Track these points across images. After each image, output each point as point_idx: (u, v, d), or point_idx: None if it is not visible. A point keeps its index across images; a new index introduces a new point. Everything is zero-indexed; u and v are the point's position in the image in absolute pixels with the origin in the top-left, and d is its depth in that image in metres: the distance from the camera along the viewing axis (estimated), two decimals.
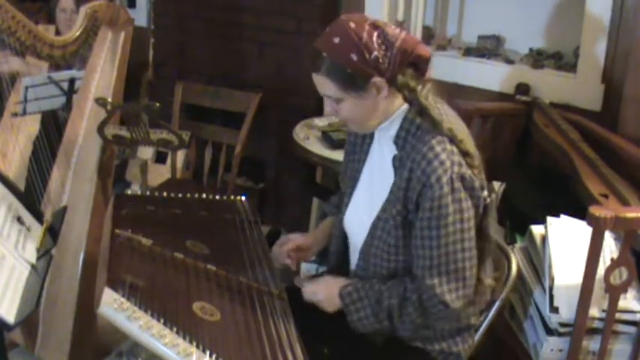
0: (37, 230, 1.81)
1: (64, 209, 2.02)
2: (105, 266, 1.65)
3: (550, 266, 2.02)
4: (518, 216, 2.44)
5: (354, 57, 1.56)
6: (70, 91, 2.61)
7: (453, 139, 1.61)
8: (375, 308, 1.68)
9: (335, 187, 2.29)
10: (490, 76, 3.06)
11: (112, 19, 2.63)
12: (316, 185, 3.44)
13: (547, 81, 2.93)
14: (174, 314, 1.50)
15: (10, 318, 1.50)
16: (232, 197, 2.21)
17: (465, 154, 1.61)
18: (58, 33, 3.04)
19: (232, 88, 3.47)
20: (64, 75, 2.59)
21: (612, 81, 2.72)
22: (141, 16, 3.88)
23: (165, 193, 2.16)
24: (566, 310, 1.95)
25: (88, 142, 2.52)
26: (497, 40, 3.16)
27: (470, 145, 1.64)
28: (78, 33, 2.49)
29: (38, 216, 1.86)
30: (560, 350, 1.98)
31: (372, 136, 1.80)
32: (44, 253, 1.76)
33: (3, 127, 2.61)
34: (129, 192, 3.48)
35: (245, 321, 1.60)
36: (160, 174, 3.60)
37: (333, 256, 1.93)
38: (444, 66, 3.13)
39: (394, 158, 1.69)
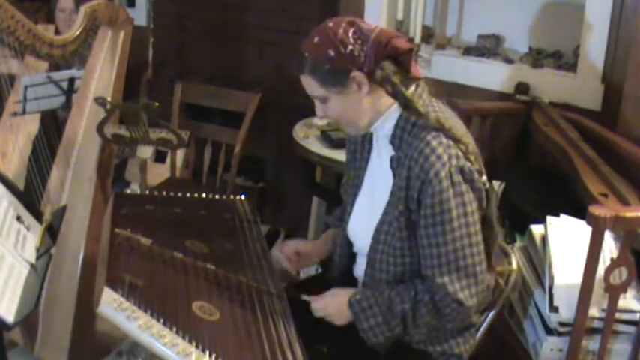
0: (37, 229, 1.81)
1: (64, 208, 2.02)
2: (104, 265, 1.65)
3: (550, 266, 2.02)
4: (518, 215, 2.43)
5: (332, 53, 1.60)
6: (70, 91, 2.61)
7: (441, 129, 1.60)
8: (387, 315, 1.66)
9: (334, 186, 2.30)
10: (489, 75, 3.06)
11: (112, 19, 2.63)
12: (316, 185, 3.44)
13: (546, 80, 2.93)
14: (174, 314, 1.50)
15: (10, 317, 1.50)
16: (232, 197, 2.21)
17: (456, 141, 1.60)
18: (57, 32, 3.04)
19: (232, 88, 3.47)
20: (63, 74, 2.59)
21: (612, 80, 2.72)
22: (140, 15, 3.88)
23: (164, 193, 2.16)
24: (566, 310, 1.95)
25: (88, 141, 2.52)
26: (497, 39, 3.16)
27: (462, 134, 1.63)
28: (77, 32, 2.49)
29: (38, 215, 1.86)
30: (560, 350, 1.98)
31: (370, 141, 1.80)
32: (44, 253, 1.76)
33: (2, 127, 2.61)
34: (128, 191, 3.49)
35: (244, 320, 1.60)
36: (159, 173, 3.60)
37: (338, 267, 1.92)
38: (444, 65, 3.13)
39: (392, 159, 1.69)
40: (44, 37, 2.38)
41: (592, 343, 1.97)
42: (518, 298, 2.18)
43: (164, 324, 1.46)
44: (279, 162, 3.80)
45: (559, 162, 2.46)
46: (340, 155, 2.72)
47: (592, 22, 2.74)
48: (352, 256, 1.87)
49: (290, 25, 3.55)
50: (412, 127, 1.65)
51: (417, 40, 3.07)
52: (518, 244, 2.29)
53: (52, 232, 1.84)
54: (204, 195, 2.19)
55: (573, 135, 2.51)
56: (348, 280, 1.87)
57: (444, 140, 1.60)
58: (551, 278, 1.99)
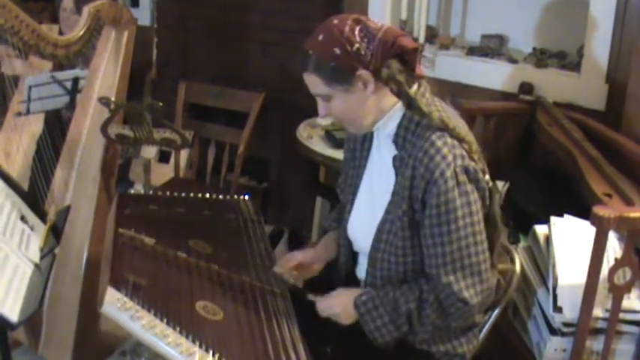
0: (41, 229, 1.81)
1: (68, 208, 2.03)
2: (108, 265, 1.65)
3: (554, 266, 2.01)
4: (522, 215, 2.43)
5: (337, 50, 1.59)
6: (74, 91, 2.62)
7: (445, 128, 1.60)
8: (393, 315, 1.66)
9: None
10: (493, 75, 3.05)
11: (115, 19, 2.63)
12: (319, 184, 3.44)
13: (550, 80, 2.92)
14: (177, 313, 1.51)
15: (14, 317, 1.50)
16: (235, 196, 2.21)
17: (460, 140, 1.60)
18: (61, 33, 3.05)
19: (235, 88, 3.47)
20: (67, 74, 2.60)
21: (616, 80, 2.71)
22: (144, 15, 3.88)
23: (168, 193, 2.17)
24: (570, 310, 1.94)
25: (92, 141, 2.53)
26: (501, 39, 3.16)
27: (465, 133, 1.63)
28: (81, 32, 2.49)
29: (42, 215, 1.86)
30: (564, 350, 1.98)
31: (370, 140, 1.80)
32: (47, 253, 1.76)
33: (7, 127, 2.62)
34: (132, 191, 3.49)
35: (248, 320, 1.60)
36: (163, 173, 3.60)
37: (343, 267, 1.91)
38: (447, 65, 3.13)
39: (394, 158, 1.69)
40: (48, 37, 2.38)
41: (596, 344, 1.97)
42: (522, 298, 2.18)
43: (168, 324, 1.46)
44: (282, 162, 3.80)
45: (563, 162, 2.46)
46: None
47: (596, 22, 2.73)
48: (354, 256, 1.87)
49: (293, 25, 3.55)
50: (416, 127, 1.65)
51: (421, 40, 3.06)
52: (521, 244, 2.29)
53: (55, 232, 1.85)
54: (207, 195, 2.19)
55: (577, 135, 2.50)
56: (353, 280, 1.87)
57: (449, 140, 1.59)
58: (555, 279, 1.99)
